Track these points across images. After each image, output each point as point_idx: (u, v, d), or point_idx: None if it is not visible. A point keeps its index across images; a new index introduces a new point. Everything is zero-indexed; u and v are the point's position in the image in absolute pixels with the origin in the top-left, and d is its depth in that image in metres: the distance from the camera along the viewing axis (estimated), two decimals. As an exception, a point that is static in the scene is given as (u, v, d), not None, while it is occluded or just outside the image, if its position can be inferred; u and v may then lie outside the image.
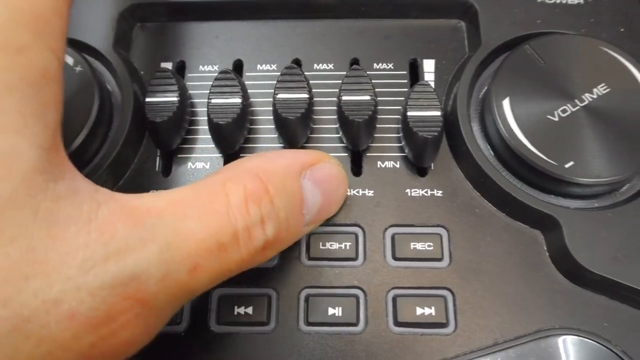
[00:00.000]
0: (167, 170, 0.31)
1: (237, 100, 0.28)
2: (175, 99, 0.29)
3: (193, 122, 0.31)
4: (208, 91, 0.29)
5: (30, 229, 0.17)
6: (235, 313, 0.27)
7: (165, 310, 0.20)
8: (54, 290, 0.17)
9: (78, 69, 0.30)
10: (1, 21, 0.19)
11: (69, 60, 0.30)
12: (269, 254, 0.23)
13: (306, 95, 0.28)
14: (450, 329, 0.26)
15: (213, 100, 0.28)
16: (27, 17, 0.19)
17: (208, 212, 0.21)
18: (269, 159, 0.24)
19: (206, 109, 0.28)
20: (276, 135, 0.30)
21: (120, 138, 0.29)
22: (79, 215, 0.18)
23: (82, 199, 0.19)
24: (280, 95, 0.28)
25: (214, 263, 0.20)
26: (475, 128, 0.30)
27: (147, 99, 0.29)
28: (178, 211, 0.20)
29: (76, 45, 0.32)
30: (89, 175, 0.28)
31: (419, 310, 0.27)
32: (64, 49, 0.21)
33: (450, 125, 0.30)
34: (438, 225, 0.28)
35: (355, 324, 0.26)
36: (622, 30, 0.32)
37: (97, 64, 0.32)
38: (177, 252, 0.19)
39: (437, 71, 0.32)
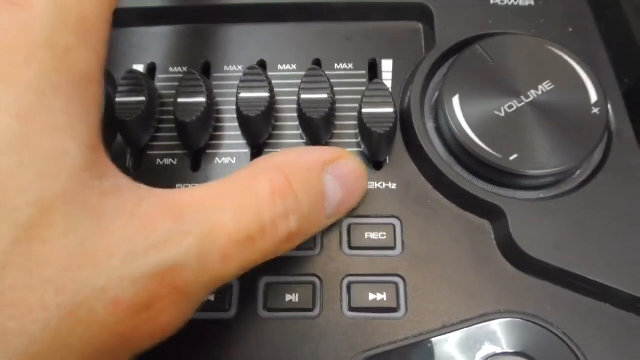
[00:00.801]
0: (136, 166, 0.32)
1: (202, 99, 0.30)
2: (144, 98, 0.30)
3: (162, 121, 0.33)
4: (175, 92, 0.31)
5: (80, 222, 0.19)
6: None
7: (199, 296, 0.22)
8: (102, 280, 0.18)
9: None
10: (51, 20, 0.20)
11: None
12: (291, 245, 0.24)
13: (267, 94, 0.30)
14: (401, 313, 0.28)
15: (179, 99, 0.30)
16: (74, 18, 0.21)
17: (239, 206, 0.22)
18: (294, 156, 0.26)
19: (172, 108, 0.30)
20: (240, 133, 0.32)
21: (92, 136, 0.31)
22: (123, 211, 0.20)
23: (126, 195, 0.21)
24: (243, 94, 0.30)
25: (243, 254, 0.22)
26: (430, 125, 0.32)
27: (117, 99, 0.30)
28: (213, 205, 0.22)
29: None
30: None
31: (371, 296, 0.28)
32: (107, 52, 0.23)
33: (404, 121, 0.32)
34: (392, 216, 0.30)
35: (311, 310, 0.28)
36: (570, 30, 0.33)
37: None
38: (211, 245, 0.21)
39: (395, 71, 0.34)
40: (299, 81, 0.32)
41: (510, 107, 0.30)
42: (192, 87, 0.30)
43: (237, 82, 0.33)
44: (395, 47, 0.34)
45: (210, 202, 0.22)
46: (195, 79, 0.31)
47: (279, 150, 0.32)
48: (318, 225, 0.26)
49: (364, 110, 0.29)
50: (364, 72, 0.34)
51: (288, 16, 0.35)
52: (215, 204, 0.22)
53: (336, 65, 0.34)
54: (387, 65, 0.34)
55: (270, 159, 0.25)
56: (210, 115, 0.31)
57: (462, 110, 0.30)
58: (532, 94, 0.30)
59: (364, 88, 0.33)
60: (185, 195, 0.22)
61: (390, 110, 0.29)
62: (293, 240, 0.24)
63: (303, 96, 0.30)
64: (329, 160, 0.26)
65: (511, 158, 0.28)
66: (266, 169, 0.24)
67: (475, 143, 0.29)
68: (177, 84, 0.32)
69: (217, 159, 0.32)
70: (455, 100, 0.30)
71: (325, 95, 0.30)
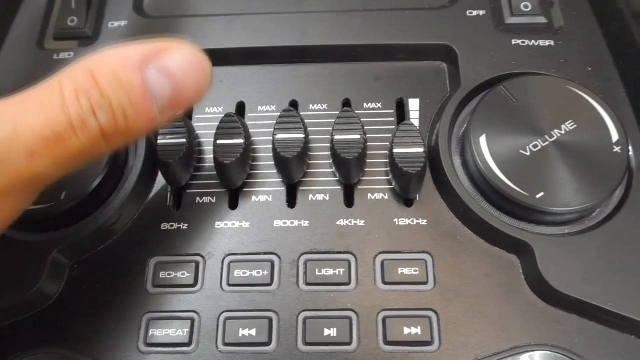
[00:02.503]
0: (177, 204, 0.34)
1: (241, 140, 0.32)
2: (184, 140, 0.32)
3: (201, 160, 0.34)
4: (214, 131, 0.32)
5: None
6: (240, 335, 0.30)
7: (14, 194, 0.24)
8: None
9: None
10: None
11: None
12: (117, 139, 0.25)
13: (302, 136, 0.31)
14: (435, 347, 0.29)
15: (218, 141, 0.32)
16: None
17: (44, 106, 0.23)
18: (108, 54, 0.25)
19: (212, 148, 0.32)
20: (276, 171, 0.33)
21: (135, 177, 0.33)
22: None
23: None
24: (279, 136, 0.32)
25: (54, 150, 0.23)
26: (457, 162, 0.33)
27: (159, 141, 0.32)
28: (18, 109, 0.23)
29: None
30: (108, 209, 0.32)
31: (406, 330, 0.29)
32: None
33: (433, 159, 0.33)
34: (423, 252, 0.31)
35: (349, 344, 0.29)
36: (589, 69, 0.35)
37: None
38: (13, 144, 0.23)
39: (422, 109, 0.35)
40: (331, 120, 0.34)
41: (535, 146, 0.31)
42: (231, 129, 0.32)
43: (271, 122, 0.34)
44: (421, 86, 0.36)
45: (15, 106, 0.23)
46: (233, 121, 0.32)
47: (312, 184, 0.33)
48: (147, 121, 0.25)
49: (395, 151, 0.31)
50: (392, 111, 0.35)
51: (318, 57, 0.37)
52: (21, 108, 0.23)
53: (365, 104, 0.35)
54: (414, 104, 0.35)
55: (83, 59, 0.25)
56: (247, 156, 0.32)
57: (490, 149, 0.31)
58: (556, 133, 0.31)
59: (392, 127, 0.35)
60: None
61: (421, 150, 0.31)
62: (115, 136, 0.24)
63: (337, 137, 0.31)
64: (149, 54, 0.25)
65: (538, 196, 0.30)
66: (73, 69, 0.24)
67: (503, 182, 0.30)
68: (214, 123, 0.34)
69: (254, 196, 0.33)
70: (483, 140, 0.31)
71: (358, 136, 0.31)
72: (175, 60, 0.25)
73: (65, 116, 0.23)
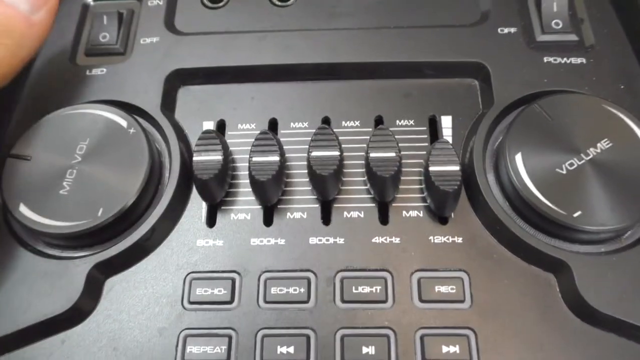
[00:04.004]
0: (212, 221, 0.34)
1: (276, 158, 0.32)
2: (220, 157, 0.32)
3: (235, 177, 0.34)
4: (247, 148, 0.33)
5: None
6: (278, 352, 0.30)
7: None
8: None
9: (132, 131, 0.34)
10: None
11: (123, 123, 0.34)
12: None
13: (337, 153, 0.32)
14: (474, 366, 0.29)
15: (254, 159, 0.32)
16: None
17: None
18: None
19: (247, 165, 0.32)
20: (310, 188, 0.34)
21: (170, 193, 0.33)
22: None
23: None
24: (315, 153, 0.32)
25: None
26: (490, 179, 0.33)
27: (195, 158, 0.32)
28: None
29: (127, 107, 0.35)
30: (143, 227, 0.32)
31: (444, 349, 0.29)
32: None
33: (467, 177, 0.33)
34: (460, 270, 0.31)
35: (387, 362, 0.29)
36: (622, 87, 0.35)
37: (146, 125, 0.35)
38: None
39: (454, 127, 0.35)
40: (363, 137, 0.34)
41: (571, 164, 0.31)
42: (266, 146, 0.32)
43: (303, 139, 0.35)
44: (453, 104, 0.36)
45: None
46: (268, 138, 0.32)
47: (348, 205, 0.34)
48: (16, 18, 0.31)
49: (431, 169, 0.31)
50: (424, 128, 0.35)
51: (348, 74, 0.37)
52: None
53: (397, 121, 0.36)
54: (446, 122, 0.35)
55: None
56: (282, 173, 0.33)
57: (526, 167, 0.31)
58: (592, 151, 0.31)
59: (425, 144, 0.35)
60: None
61: (457, 168, 0.31)
62: None
63: (372, 154, 0.31)
64: None
65: (575, 215, 0.30)
66: None
67: (541, 201, 0.30)
68: (246, 140, 0.35)
69: (288, 213, 0.33)
70: (519, 158, 0.31)
71: (393, 154, 0.31)
72: None
73: None
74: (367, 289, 0.31)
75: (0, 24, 0.30)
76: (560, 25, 0.37)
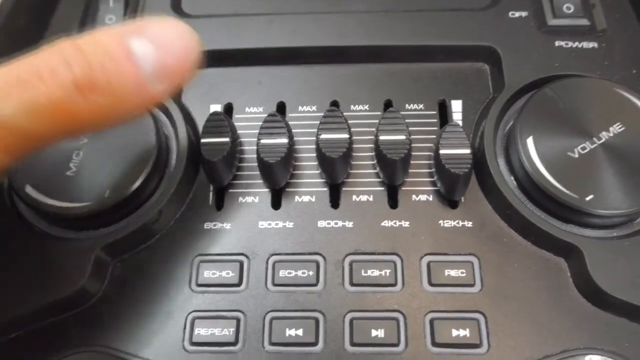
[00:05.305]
0: (219, 203, 0.33)
1: (284, 140, 0.31)
2: (228, 139, 0.32)
3: (242, 160, 0.34)
4: (255, 131, 0.32)
5: None
6: (287, 335, 0.29)
7: None
8: None
9: (138, 112, 0.33)
10: None
11: (130, 104, 0.33)
12: (96, 96, 0.22)
13: (347, 136, 0.31)
14: (483, 349, 0.29)
15: (262, 141, 0.31)
16: None
17: (17, 61, 0.22)
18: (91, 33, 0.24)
19: (255, 148, 0.32)
20: (318, 172, 0.33)
21: (177, 176, 0.32)
22: None
23: None
24: (324, 136, 0.31)
25: (16, 92, 0.21)
26: (501, 163, 0.33)
27: (203, 140, 0.32)
28: None
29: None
30: (150, 209, 0.31)
31: (454, 332, 0.29)
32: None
33: (478, 161, 0.33)
34: (469, 254, 0.31)
35: (396, 345, 0.29)
36: (634, 71, 0.35)
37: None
38: None
39: (464, 111, 0.35)
40: (372, 121, 0.34)
41: (583, 148, 0.31)
42: (275, 129, 0.32)
43: (312, 122, 0.35)
44: (463, 88, 0.36)
45: None
46: (277, 120, 0.32)
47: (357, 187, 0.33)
48: (133, 81, 0.23)
49: (442, 152, 0.31)
50: (434, 112, 0.35)
51: (357, 58, 0.37)
52: None
53: (407, 105, 0.35)
54: (456, 106, 0.35)
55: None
56: (291, 155, 0.32)
57: (537, 151, 0.31)
58: (604, 135, 0.31)
59: (435, 128, 0.34)
60: None
61: (467, 151, 0.31)
62: (91, 91, 0.22)
63: (382, 137, 0.31)
64: (132, 27, 0.24)
65: (587, 198, 0.29)
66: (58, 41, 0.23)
67: (552, 184, 0.30)
68: (253, 123, 0.34)
69: (297, 197, 0.33)
70: (530, 142, 0.31)
71: (403, 137, 0.31)
72: (156, 28, 0.24)
73: (33, 65, 0.22)
74: (376, 273, 0.31)
75: (108, 74, 0.23)
76: (572, 10, 0.37)
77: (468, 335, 0.29)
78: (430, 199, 0.33)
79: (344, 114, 0.33)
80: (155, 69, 0.24)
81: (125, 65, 0.23)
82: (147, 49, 0.24)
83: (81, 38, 0.23)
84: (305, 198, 0.33)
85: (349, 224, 0.32)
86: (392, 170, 0.32)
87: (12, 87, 0.22)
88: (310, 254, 0.31)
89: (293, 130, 0.34)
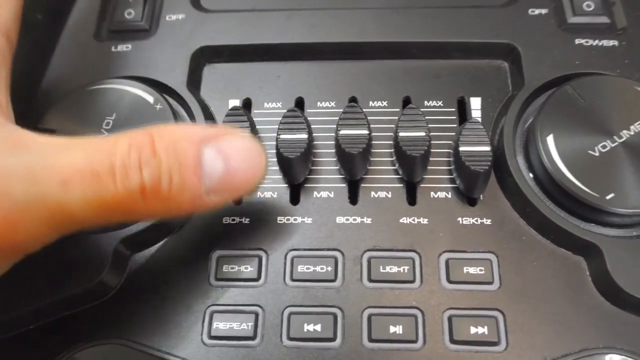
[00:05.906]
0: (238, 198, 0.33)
1: (304, 136, 0.31)
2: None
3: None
4: (273, 126, 0.32)
5: None
6: (305, 330, 0.29)
7: (37, 221, 0.22)
8: None
9: (158, 107, 0.33)
10: None
11: (150, 99, 0.34)
12: (155, 204, 0.24)
13: (366, 132, 0.31)
14: (502, 347, 0.29)
15: (282, 136, 0.31)
16: None
17: (93, 148, 0.23)
18: (171, 125, 0.26)
19: (274, 143, 0.32)
20: (337, 167, 0.33)
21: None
22: None
23: None
24: (343, 132, 0.31)
25: (88, 186, 0.22)
26: (520, 161, 0.33)
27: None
28: (64, 146, 0.23)
29: (154, 84, 0.35)
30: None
31: (472, 330, 0.29)
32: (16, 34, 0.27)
33: (497, 158, 0.33)
34: (488, 251, 0.31)
35: (414, 341, 0.29)
36: (655, 70, 0.35)
37: (172, 102, 0.35)
38: (49, 172, 0.22)
39: (483, 108, 0.35)
40: (391, 118, 0.34)
41: (604, 146, 0.31)
42: (294, 124, 0.32)
43: (331, 118, 0.35)
44: (482, 85, 0.36)
45: (64, 143, 0.23)
46: (296, 115, 0.32)
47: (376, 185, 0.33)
48: (191, 194, 0.24)
49: (462, 149, 0.31)
50: (453, 109, 0.35)
51: (376, 54, 0.37)
52: (69, 146, 0.23)
53: (426, 102, 0.35)
54: (475, 103, 0.35)
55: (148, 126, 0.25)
56: (310, 151, 0.32)
57: (557, 149, 0.31)
58: (625, 134, 0.31)
59: (454, 125, 0.34)
60: (42, 137, 0.24)
61: (487, 148, 0.31)
62: (153, 198, 0.23)
63: (401, 134, 0.31)
64: (212, 135, 0.25)
65: (608, 197, 0.29)
66: (135, 131, 0.24)
67: (573, 183, 0.30)
68: (272, 119, 0.34)
69: (315, 192, 0.33)
70: (550, 140, 0.31)
71: (423, 134, 0.31)
72: (233, 145, 0.26)
73: (109, 160, 0.23)
74: (394, 269, 0.31)
75: (173, 185, 0.23)
76: (592, 8, 0.37)
77: (486, 332, 0.29)
78: (449, 196, 0.33)
79: (363, 110, 0.33)
80: (216, 185, 0.25)
81: (191, 179, 0.24)
82: (216, 166, 0.25)
83: (162, 136, 0.24)
84: (324, 194, 0.33)
85: (368, 220, 0.32)
86: (412, 167, 0.32)
87: (85, 179, 0.22)
88: (328, 249, 0.31)
89: (312, 126, 0.34)
